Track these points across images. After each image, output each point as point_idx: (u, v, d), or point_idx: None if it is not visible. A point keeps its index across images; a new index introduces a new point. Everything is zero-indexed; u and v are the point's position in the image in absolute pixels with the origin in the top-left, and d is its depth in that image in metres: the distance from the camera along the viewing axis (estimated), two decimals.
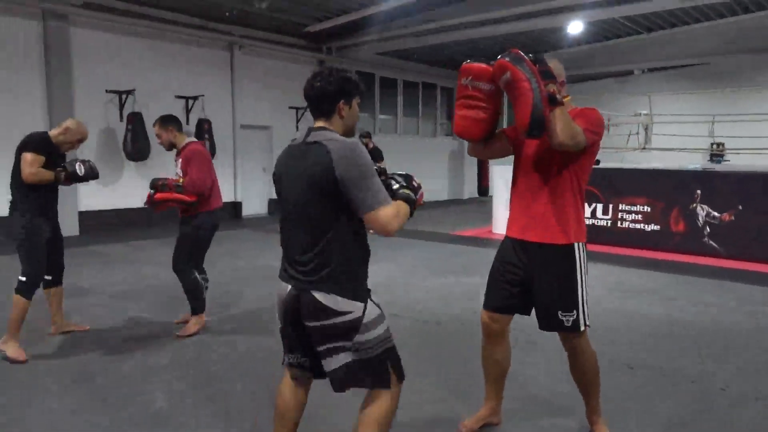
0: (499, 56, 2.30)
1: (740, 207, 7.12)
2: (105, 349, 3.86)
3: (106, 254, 7.33)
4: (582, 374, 2.59)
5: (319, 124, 2.02)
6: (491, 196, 10.39)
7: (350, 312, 1.93)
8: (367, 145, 9.56)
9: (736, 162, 13.03)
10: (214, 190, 4.24)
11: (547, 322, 2.50)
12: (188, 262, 4.15)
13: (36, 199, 3.70)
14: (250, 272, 6.33)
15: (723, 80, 15.27)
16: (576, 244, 2.45)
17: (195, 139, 4.30)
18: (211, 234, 4.25)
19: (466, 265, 6.86)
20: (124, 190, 9.66)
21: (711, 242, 7.35)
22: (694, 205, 7.47)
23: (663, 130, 13.80)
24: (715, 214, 7.31)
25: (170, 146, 4.19)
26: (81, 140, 3.96)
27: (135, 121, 9.17)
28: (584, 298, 2.47)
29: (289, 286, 2.00)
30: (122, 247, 7.81)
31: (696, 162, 11.06)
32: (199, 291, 4.20)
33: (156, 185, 3.97)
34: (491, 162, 13.82)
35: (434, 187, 15.00)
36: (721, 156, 14.07)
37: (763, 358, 3.83)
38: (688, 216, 7.53)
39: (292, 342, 2.10)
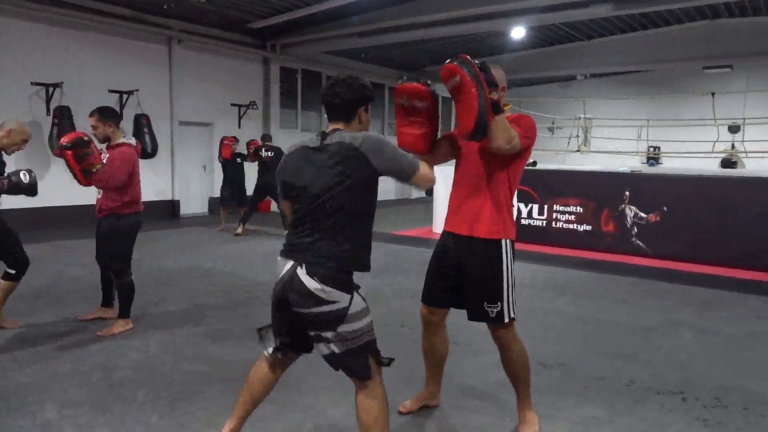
0: (448, 60, 2.42)
1: (665, 208, 7.39)
2: (3, 353, 3.64)
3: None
4: (511, 366, 2.72)
5: (336, 126, 2.19)
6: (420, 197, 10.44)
7: (337, 302, 2.06)
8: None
9: (669, 165, 13.60)
10: (137, 193, 4.12)
11: (474, 313, 2.65)
12: (126, 261, 4.10)
13: None
14: (175, 274, 6.13)
15: (657, 86, 15.90)
16: (504, 240, 2.61)
17: (132, 141, 4.14)
18: (136, 233, 4.19)
19: (401, 265, 6.86)
20: (49, 187, 9.15)
21: (638, 242, 7.60)
22: (623, 206, 7.71)
23: (602, 134, 14.25)
24: (642, 215, 7.57)
25: (104, 140, 4.06)
26: (26, 141, 3.83)
27: (62, 115, 8.76)
28: (510, 291, 2.62)
29: (288, 265, 2.11)
30: (44, 247, 7.43)
31: (630, 164, 11.44)
32: (132, 293, 4.16)
33: (78, 146, 3.73)
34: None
35: (381, 187, 14.96)
36: (656, 159, 14.65)
37: (670, 353, 3.96)
38: (617, 217, 7.77)
39: (281, 326, 2.24)
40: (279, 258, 2.20)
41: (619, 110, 14.85)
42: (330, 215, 2.08)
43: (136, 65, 10.23)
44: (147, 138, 9.67)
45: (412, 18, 10.34)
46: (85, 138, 3.79)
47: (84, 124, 9.48)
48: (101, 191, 4.07)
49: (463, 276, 2.65)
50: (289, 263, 2.12)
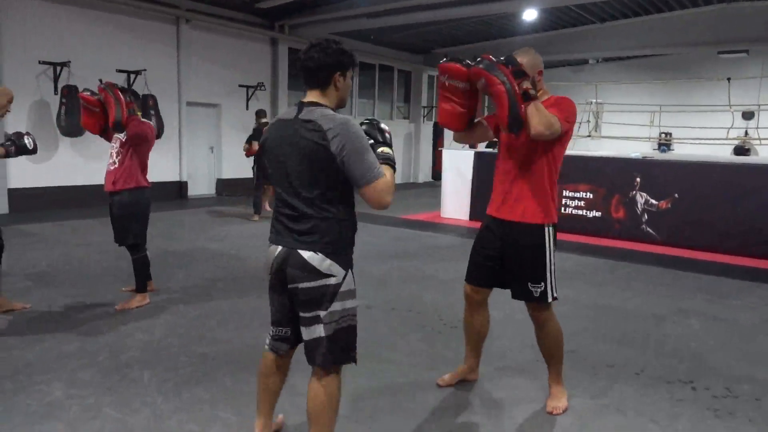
0: (472, 64, 2.56)
1: (676, 195, 7.29)
2: (9, 334, 3.65)
3: (34, 234, 6.98)
4: (546, 343, 2.84)
5: (312, 97, 2.08)
6: (433, 182, 10.37)
7: (332, 276, 2.02)
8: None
9: (681, 151, 13.42)
10: (146, 167, 4.24)
11: (518, 292, 2.78)
12: (143, 236, 4.23)
13: None
14: (182, 255, 6.13)
15: (671, 72, 15.65)
16: (546, 225, 2.72)
17: (151, 123, 4.41)
18: (149, 209, 4.30)
19: (409, 250, 6.83)
20: (58, 167, 9.22)
21: (648, 229, 7.52)
22: (634, 192, 7.62)
23: (613, 119, 14.07)
24: (653, 201, 7.48)
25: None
26: (10, 101, 3.85)
27: (70, 94, 8.71)
28: (552, 272, 2.73)
29: (279, 248, 2.08)
30: (53, 227, 7.46)
31: (642, 150, 11.29)
32: (148, 268, 4.30)
33: (125, 92, 4.03)
34: (444, 147, 13.84)
35: None
36: (668, 145, 14.46)
37: (680, 342, 3.91)
38: (627, 203, 7.68)
39: (277, 312, 2.20)
40: (270, 244, 2.15)
41: (632, 95, 14.66)
42: (309, 190, 2.01)
43: (143, 45, 10.15)
44: (153, 119, 9.64)
45: None
46: (120, 94, 3.99)
47: None
48: (117, 163, 4.10)
49: (507, 258, 2.77)
50: (280, 247, 2.09)
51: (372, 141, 2.12)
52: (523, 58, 2.62)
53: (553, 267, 2.74)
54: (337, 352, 2.07)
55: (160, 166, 10.42)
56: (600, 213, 7.91)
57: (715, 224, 7.01)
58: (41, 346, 3.47)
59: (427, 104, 17.09)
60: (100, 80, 4.14)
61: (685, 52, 14.72)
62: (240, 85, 11.92)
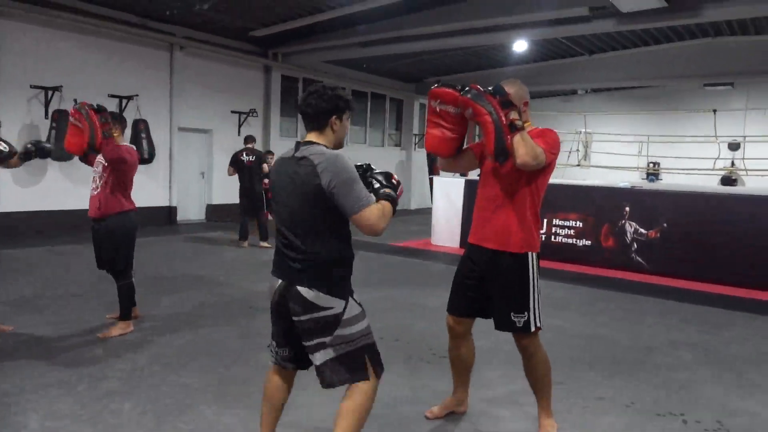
0: (461, 92, 2.57)
1: (665, 225, 7.34)
2: None
3: (18, 259, 6.87)
4: (534, 374, 2.80)
5: (310, 137, 2.22)
6: (431, 208, 10.38)
7: (331, 308, 2.13)
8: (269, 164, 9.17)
9: (669, 181, 13.58)
10: (130, 192, 4.22)
11: (501, 323, 2.74)
12: (129, 262, 4.20)
13: None
14: (169, 282, 6.05)
15: (659, 103, 15.93)
16: (529, 254, 2.70)
17: (132, 146, 4.31)
18: (135, 234, 4.27)
19: (398, 277, 6.78)
20: (47, 191, 9.14)
21: (638, 258, 7.54)
22: (623, 221, 7.66)
23: (602, 149, 14.24)
24: (642, 230, 7.51)
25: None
26: None
27: (61, 118, 8.68)
28: (536, 301, 2.71)
29: (279, 281, 2.21)
30: (39, 252, 7.35)
31: (630, 180, 11.41)
32: (133, 295, 4.25)
33: (103, 111, 3.98)
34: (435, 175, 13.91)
35: None
36: (656, 175, 14.63)
37: (671, 373, 3.88)
38: (617, 232, 7.71)
39: (281, 337, 2.30)
40: (271, 274, 2.29)
41: (620, 125, 14.87)
42: (304, 226, 2.15)
43: (136, 70, 10.20)
44: (144, 143, 9.64)
45: (413, 29, 10.33)
46: (101, 118, 3.95)
47: None
48: (99, 188, 4.06)
49: (489, 287, 2.75)
50: (280, 279, 2.22)
51: (378, 185, 2.27)
52: (510, 89, 2.66)
53: (536, 296, 2.72)
54: (352, 371, 2.17)
55: (150, 191, 10.39)
56: (590, 242, 7.93)
57: (703, 254, 7.04)
58: (20, 374, 3.38)
59: (418, 132, 17.23)
60: (75, 100, 4.08)
61: (672, 84, 15.01)
62: (232, 111, 11.97)
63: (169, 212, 10.94)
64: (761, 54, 11.56)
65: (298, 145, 2.22)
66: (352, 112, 2.31)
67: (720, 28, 11.40)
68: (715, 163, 11.63)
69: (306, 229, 2.14)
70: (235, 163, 8.67)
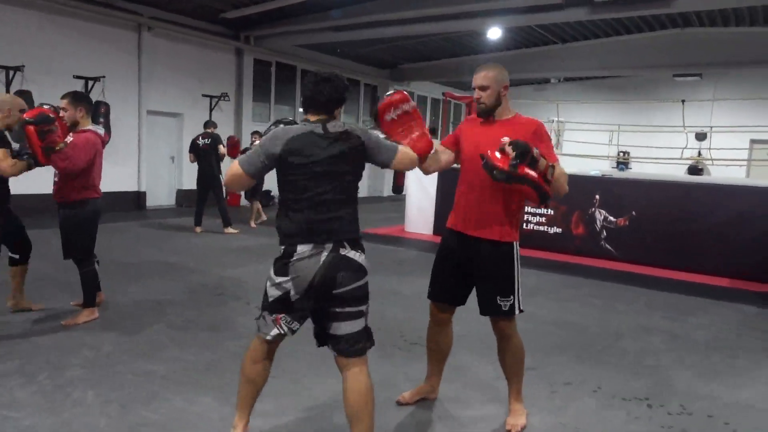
0: (507, 173, 2.44)
1: (634, 213, 7.46)
2: None
3: None
4: (508, 359, 2.83)
5: (321, 117, 2.31)
6: (405, 195, 10.38)
7: (367, 273, 2.32)
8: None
9: (638, 170, 13.82)
10: (95, 179, 4.06)
11: (486, 307, 2.76)
12: (89, 250, 4.08)
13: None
14: (136, 268, 5.92)
15: (629, 93, 16.16)
16: (514, 243, 2.73)
17: (99, 129, 4.15)
18: (98, 221, 4.14)
19: (372, 265, 6.74)
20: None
21: (607, 246, 7.66)
22: (593, 209, 7.77)
23: (574, 137, 14.40)
24: (612, 218, 7.63)
25: (73, 124, 3.96)
26: (23, 110, 3.81)
27: (23, 99, 8.36)
28: (519, 287, 2.76)
29: (324, 256, 2.21)
30: None
31: (601, 168, 11.57)
32: (97, 282, 4.16)
33: (41, 122, 3.56)
34: None
35: None
36: (626, 164, 14.87)
37: (638, 358, 3.96)
38: (587, 220, 7.82)
39: (300, 313, 2.29)
40: (302, 248, 2.22)
41: (592, 114, 15.05)
42: (347, 193, 2.30)
43: (103, 51, 9.88)
44: (101, 127, 9.36)
45: (387, 14, 10.23)
46: (51, 115, 3.65)
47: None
48: (58, 175, 3.96)
49: (473, 274, 2.76)
50: (325, 251, 2.22)
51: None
52: (490, 72, 2.66)
53: (519, 281, 2.76)
54: (370, 339, 2.37)
55: (117, 176, 10.13)
56: (561, 229, 8.03)
57: (670, 242, 7.19)
58: None
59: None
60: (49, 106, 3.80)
61: (643, 74, 15.24)
62: (203, 95, 11.72)
63: (138, 197, 10.69)
64: (728, 45, 11.79)
65: (325, 121, 2.29)
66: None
67: (689, 20, 11.58)
68: (683, 153, 11.87)
69: (343, 196, 2.27)
70: (193, 149, 8.57)
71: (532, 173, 2.42)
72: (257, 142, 9.26)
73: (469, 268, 2.77)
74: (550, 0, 8.83)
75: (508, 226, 2.70)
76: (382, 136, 2.51)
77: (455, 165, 2.95)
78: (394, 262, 6.99)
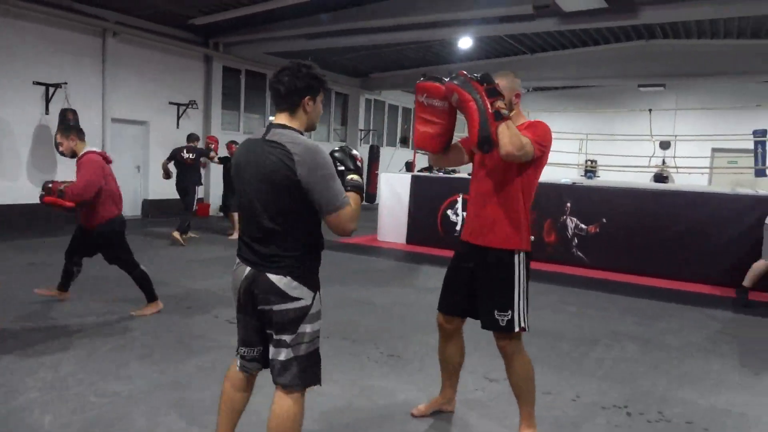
0: (448, 78, 2.51)
1: (604, 220, 7.54)
2: None
3: None
4: (513, 378, 2.70)
5: (281, 120, 2.07)
6: (377, 204, 10.31)
7: (301, 299, 2.02)
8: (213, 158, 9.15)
9: (606, 178, 14.05)
10: (108, 199, 4.40)
11: (486, 321, 2.66)
12: (130, 256, 4.56)
13: None
14: (99, 281, 5.67)
15: (597, 102, 16.48)
16: (517, 251, 2.61)
17: (95, 148, 4.46)
18: (123, 234, 4.56)
19: (344, 274, 6.65)
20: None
21: (579, 253, 7.72)
22: (565, 217, 7.82)
23: None
24: (583, 226, 7.70)
25: (72, 154, 4.36)
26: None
27: None
28: (521, 301, 2.61)
29: (247, 269, 2.06)
30: None
31: (570, 176, 11.71)
32: (148, 280, 4.59)
33: (45, 187, 4.25)
34: (380, 170, 13.87)
35: None
36: (594, 172, 15.11)
37: (614, 366, 3.94)
38: (558, 228, 7.87)
39: (248, 332, 2.15)
40: (237, 261, 2.14)
41: (562, 123, 15.25)
42: (272, 210, 2.01)
43: (65, 57, 9.56)
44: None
45: (358, 23, 10.20)
46: (49, 184, 4.26)
47: (3, 115, 8.84)
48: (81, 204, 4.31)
49: (477, 285, 2.68)
50: (248, 268, 2.07)
51: (343, 168, 2.14)
52: (501, 81, 2.59)
53: (523, 295, 2.62)
54: (307, 373, 2.08)
55: None
56: (533, 237, 8.02)
57: (640, 248, 7.29)
58: None
59: (364, 127, 17.12)
60: None
61: (609, 84, 15.55)
62: (170, 103, 11.46)
63: None
64: (690, 57, 12.14)
65: (269, 126, 2.07)
66: (326, 93, 2.19)
67: (654, 32, 11.87)
68: (650, 161, 12.11)
69: (273, 214, 2.01)
70: (176, 161, 8.50)
71: (484, 97, 2.40)
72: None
73: (473, 279, 2.70)
74: (521, 10, 8.92)
75: (510, 232, 2.60)
76: (348, 176, 2.13)
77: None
78: (367, 272, 6.90)
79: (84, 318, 4.41)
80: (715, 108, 13.26)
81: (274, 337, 2.05)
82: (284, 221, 2.01)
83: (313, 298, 2.06)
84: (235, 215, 9.07)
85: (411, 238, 9.05)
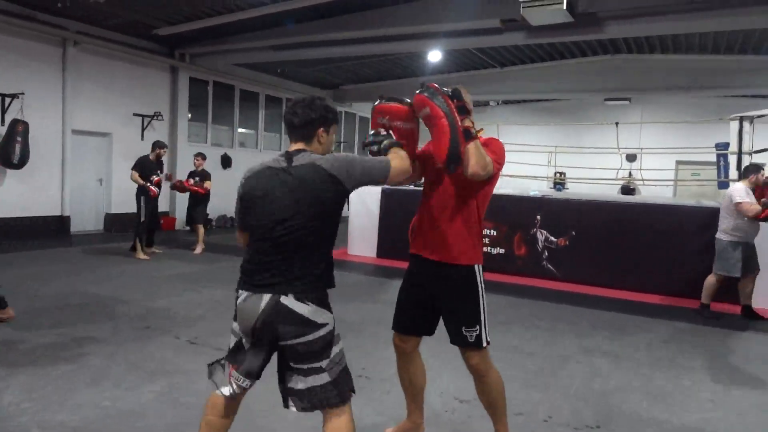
0: (417, 91, 2.42)
1: (573, 233, 7.56)
2: None
3: None
4: (487, 396, 2.64)
5: (298, 146, 2.15)
6: (346, 217, 10.18)
7: (326, 324, 2.05)
8: (197, 167, 9.01)
9: (574, 190, 14.22)
10: None
11: (454, 338, 2.60)
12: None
13: None
14: (53, 300, 5.40)
15: (565, 115, 16.73)
16: (476, 266, 2.58)
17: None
18: None
19: None
20: None
21: (549, 266, 7.72)
22: (535, 230, 7.83)
23: (514, 158, 14.67)
24: (552, 238, 7.71)
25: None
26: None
27: None
28: (485, 315, 2.57)
29: (265, 299, 2.01)
30: None
31: (540, 189, 11.80)
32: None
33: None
34: None
35: None
36: (563, 184, 15.28)
37: (585, 383, 3.89)
38: (529, 240, 7.86)
39: (254, 364, 2.10)
40: (244, 293, 2.08)
41: (531, 136, 15.42)
42: (305, 237, 2.04)
43: (22, 66, 9.22)
44: (18, 147, 8.81)
45: (326, 35, 10.12)
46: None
47: None
48: None
49: (436, 302, 2.62)
50: (266, 296, 2.02)
51: (373, 138, 2.36)
52: (465, 96, 2.50)
53: (485, 309, 2.58)
54: (347, 385, 2.12)
55: (37, 199, 9.48)
56: (503, 250, 8.04)
57: (607, 261, 7.32)
58: None
59: (335, 139, 16.99)
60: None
61: (576, 98, 15.81)
62: (135, 114, 11.16)
63: (61, 222, 9.97)
64: (655, 72, 12.43)
65: (289, 154, 2.12)
66: (338, 124, 2.27)
67: (619, 47, 12.11)
68: (617, 174, 12.29)
69: (299, 239, 2.03)
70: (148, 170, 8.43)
71: (455, 114, 2.35)
72: (202, 165, 9.33)
73: (432, 295, 2.62)
74: (489, 24, 8.97)
75: (470, 247, 2.55)
76: (384, 141, 2.34)
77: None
78: (337, 287, 6.71)
79: (32, 341, 4.16)
80: (679, 122, 13.58)
81: (302, 366, 2.04)
82: (317, 237, 2.06)
83: (333, 319, 2.11)
84: (201, 228, 8.85)
85: (381, 251, 8.94)
